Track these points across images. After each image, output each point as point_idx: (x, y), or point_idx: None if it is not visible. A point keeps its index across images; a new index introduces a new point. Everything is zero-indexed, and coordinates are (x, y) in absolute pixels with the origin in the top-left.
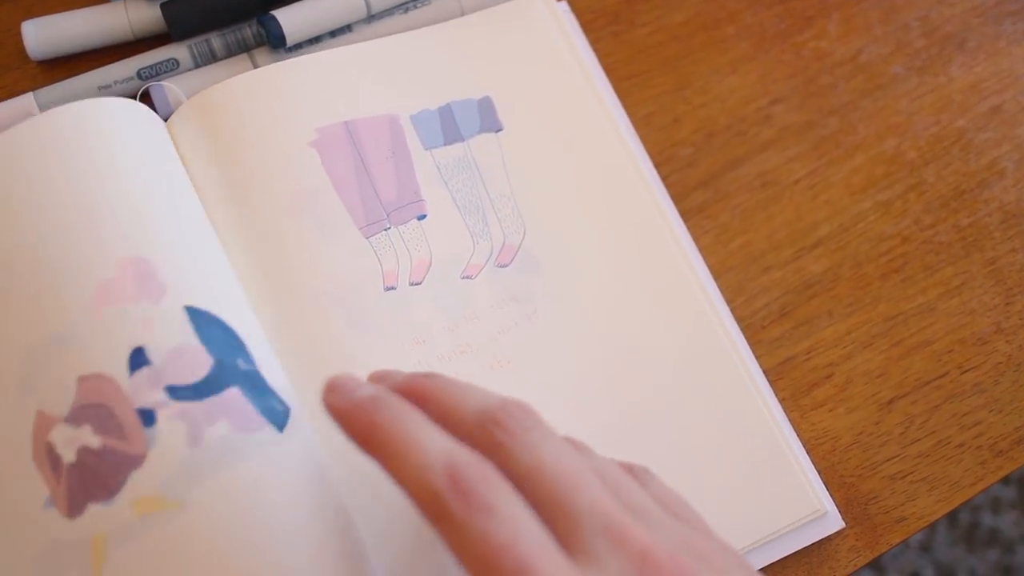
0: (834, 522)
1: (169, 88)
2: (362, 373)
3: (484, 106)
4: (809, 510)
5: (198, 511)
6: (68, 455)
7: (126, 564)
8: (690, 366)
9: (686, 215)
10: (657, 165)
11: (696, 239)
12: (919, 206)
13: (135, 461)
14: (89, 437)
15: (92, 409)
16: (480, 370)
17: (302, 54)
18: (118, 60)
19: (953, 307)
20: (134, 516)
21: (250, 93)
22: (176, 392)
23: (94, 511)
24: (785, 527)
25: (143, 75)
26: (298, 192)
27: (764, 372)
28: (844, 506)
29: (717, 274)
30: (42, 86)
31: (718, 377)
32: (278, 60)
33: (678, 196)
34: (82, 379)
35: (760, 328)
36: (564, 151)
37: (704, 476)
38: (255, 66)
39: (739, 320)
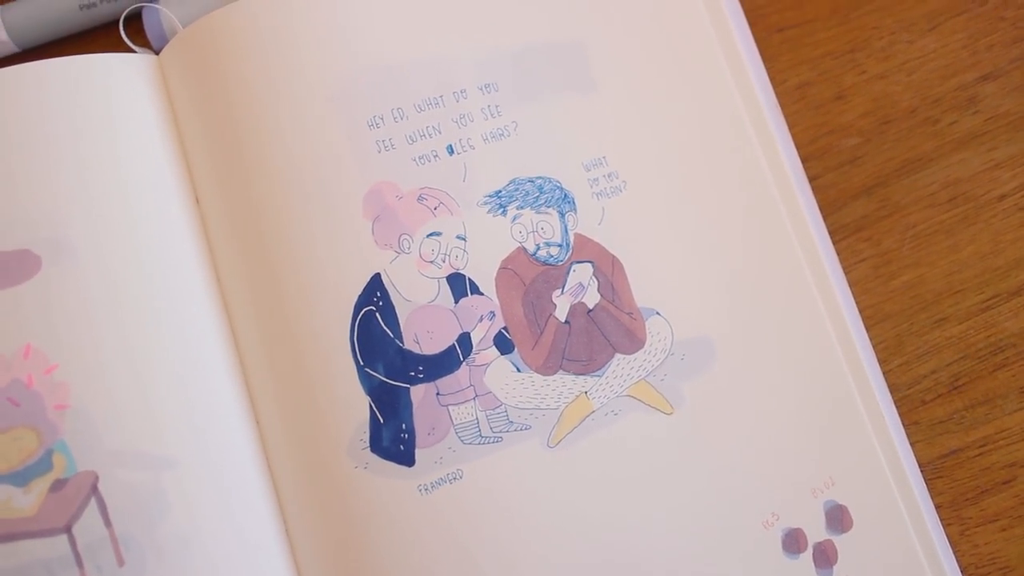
0: None
1: (163, 12)
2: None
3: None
4: None
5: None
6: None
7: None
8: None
9: (837, 234)
10: (805, 159)
11: (846, 269)
12: None
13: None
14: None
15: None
16: None
17: None
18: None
19: None
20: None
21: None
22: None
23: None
24: None
25: None
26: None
27: (920, 466)
28: None
29: (870, 322)
30: None
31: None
32: None
33: (829, 206)
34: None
35: (920, 404)
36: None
37: None
38: None
39: (892, 389)
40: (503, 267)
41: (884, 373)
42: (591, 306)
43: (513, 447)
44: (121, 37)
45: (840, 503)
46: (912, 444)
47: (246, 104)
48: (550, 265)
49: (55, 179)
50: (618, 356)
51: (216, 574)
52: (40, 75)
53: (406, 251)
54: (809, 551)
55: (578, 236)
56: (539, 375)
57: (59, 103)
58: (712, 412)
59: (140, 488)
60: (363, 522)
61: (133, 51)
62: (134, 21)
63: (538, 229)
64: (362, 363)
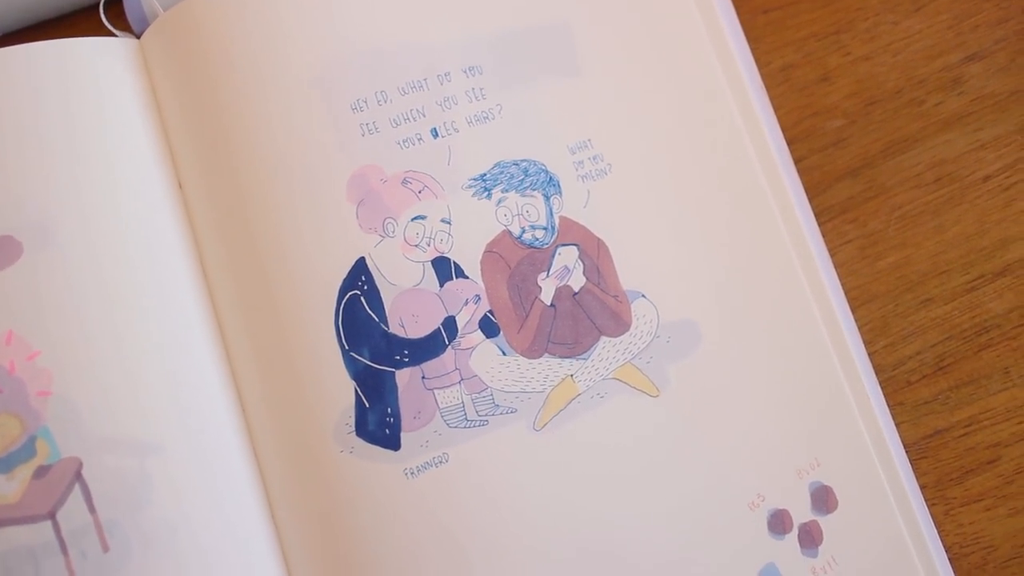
0: None
1: None
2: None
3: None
4: None
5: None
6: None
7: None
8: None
9: (822, 215)
10: (790, 141)
11: (832, 251)
12: None
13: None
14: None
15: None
16: None
17: None
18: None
19: None
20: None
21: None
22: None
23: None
24: None
25: None
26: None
27: (904, 447)
28: None
29: (856, 303)
30: None
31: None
32: None
33: (814, 187)
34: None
35: (906, 385)
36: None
37: None
38: None
39: (878, 371)
40: (488, 250)
41: (869, 354)
42: (576, 289)
43: (499, 430)
44: (101, 21)
45: (825, 484)
46: (897, 425)
47: (228, 88)
48: (535, 248)
49: (35, 165)
50: (604, 339)
51: (202, 559)
52: (19, 59)
53: (391, 235)
54: (794, 532)
55: (563, 219)
56: (525, 358)
57: (38, 88)
58: (698, 394)
59: (125, 474)
60: (349, 506)
61: (114, 35)
62: (114, 5)
63: (523, 212)
64: (347, 347)
